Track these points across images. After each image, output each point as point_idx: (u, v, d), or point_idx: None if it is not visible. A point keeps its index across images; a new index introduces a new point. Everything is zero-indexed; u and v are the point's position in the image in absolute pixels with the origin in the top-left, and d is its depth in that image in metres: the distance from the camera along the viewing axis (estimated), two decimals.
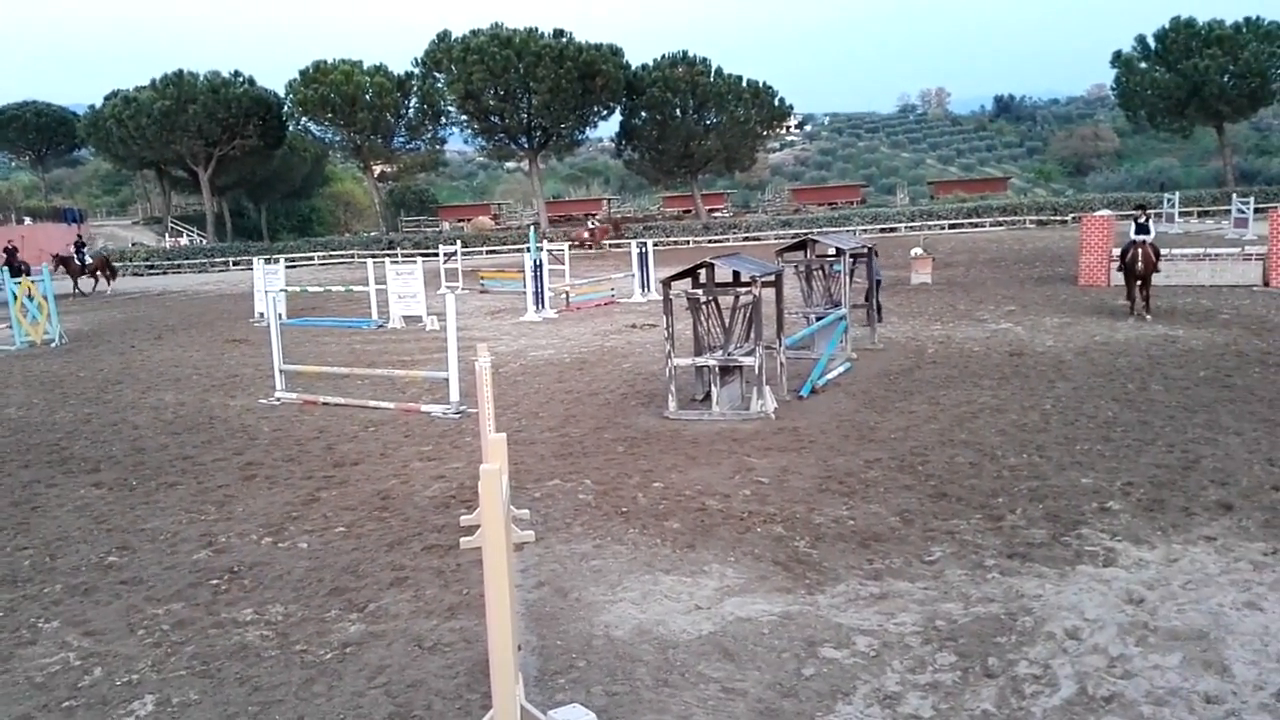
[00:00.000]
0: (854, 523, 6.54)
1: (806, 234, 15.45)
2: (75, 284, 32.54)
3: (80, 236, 37.98)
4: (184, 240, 57.71)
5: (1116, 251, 17.59)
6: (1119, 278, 16.59)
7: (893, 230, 44.99)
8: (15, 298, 18.93)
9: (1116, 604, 5.09)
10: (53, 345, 18.67)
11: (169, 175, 60.47)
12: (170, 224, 61.12)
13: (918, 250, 22.83)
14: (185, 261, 47.78)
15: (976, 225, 45.02)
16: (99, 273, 33.81)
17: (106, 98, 56.28)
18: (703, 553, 6.11)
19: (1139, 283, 14.92)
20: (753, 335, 9.97)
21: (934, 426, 9.01)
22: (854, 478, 7.54)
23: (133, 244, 54.86)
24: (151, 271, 46.02)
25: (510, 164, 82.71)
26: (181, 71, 54.15)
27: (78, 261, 33.06)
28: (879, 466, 7.81)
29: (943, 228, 44.70)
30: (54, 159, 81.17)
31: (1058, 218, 44.41)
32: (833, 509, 6.83)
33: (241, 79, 55.65)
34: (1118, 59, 52.07)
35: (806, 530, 6.43)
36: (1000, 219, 45.60)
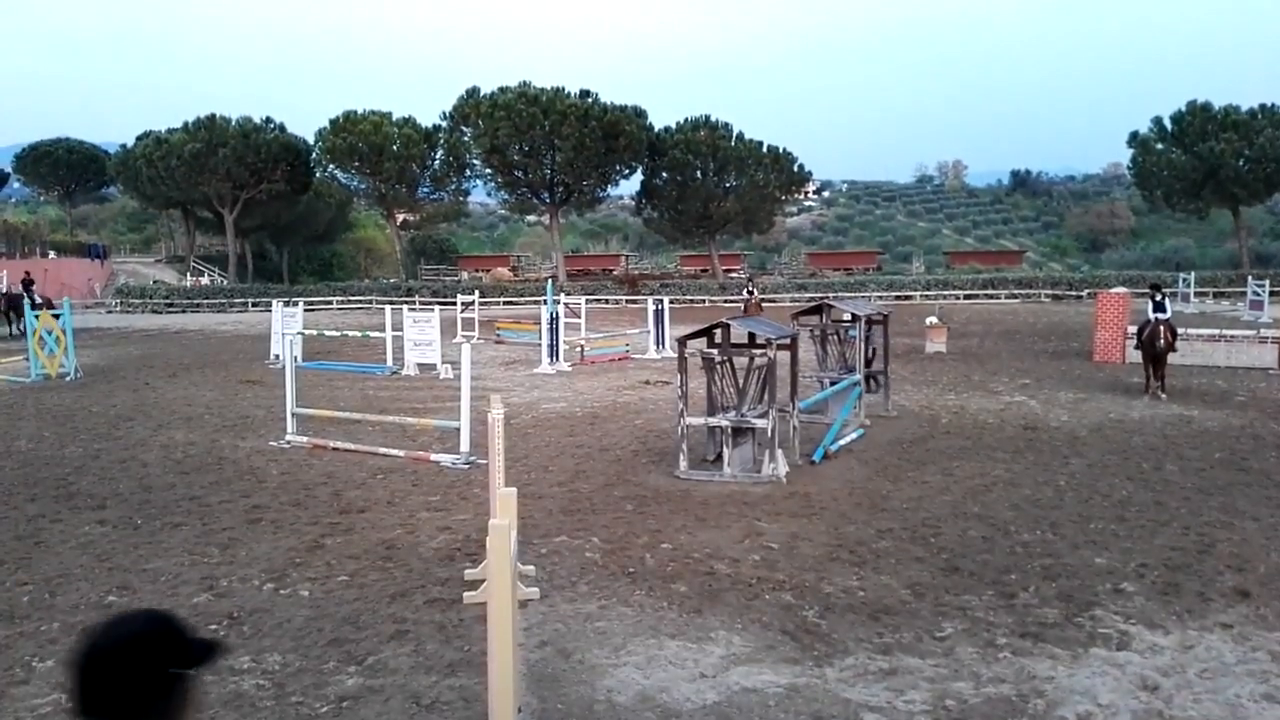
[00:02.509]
0: (864, 594, 6.43)
1: (822, 298, 15.49)
2: (21, 324, 29.95)
3: (28, 274, 33.30)
4: (205, 280, 58.31)
5: (1133, 329, 17.55)
6: (1135, 355, 16.51)
7: (908, 298, 45.08)
8: (34, 330, 19.08)
9: (1130, 690, 4.97)
10: (67, 379, 18.75)
11: (195, 215, 61.36)
12: (193, 263, 61.81)
13: (933, 319, 22.82)
14: (205, 301, 48.20)
15: (992, 296, 45.09)
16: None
17: (138, 138, 57.39)
18: (709, 618, 6.01)
19: (1155, 361, 14.84)
20: (766, 397, 9.93)
21: (947, 498, 8.91)
22: (865, 547, 7.43)
23: (154, 281, 55.46)
24: (170, 310, 46.41)
25: (531, 217, 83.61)
26: (214, 115, 55.22)
27: (27, 300, 29.78)
28: (890, 537, 7.71)
29: (958, 297, 44.78)
30: (82, 195, 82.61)
31: (1073, 293, 44.44)
32: (843, 579, 6.72)
33: (272, 125, 56.69)
34: (1134, 139, 52.51)
35: (816, 599, 6.32)
36: (1015, 291, 45.66)
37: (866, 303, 17.69)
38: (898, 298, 44.66)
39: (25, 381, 18.25)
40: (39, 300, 29.57)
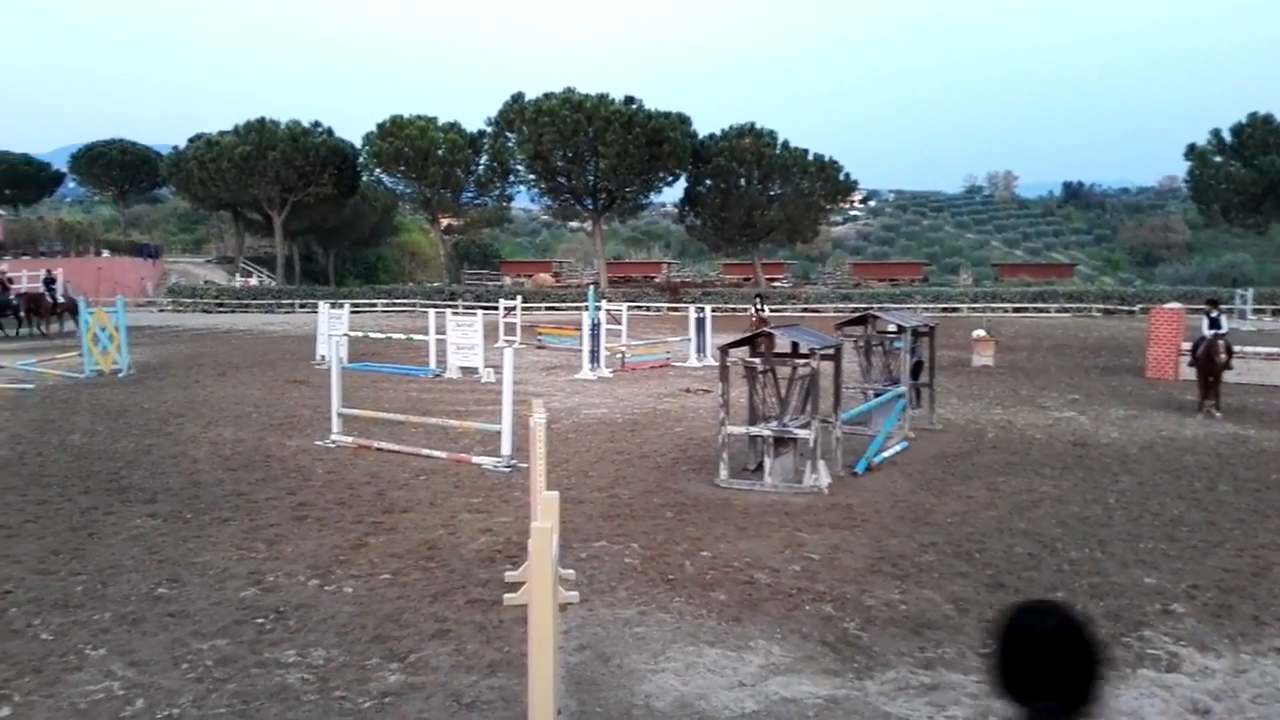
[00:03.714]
0: (906, 607, 6.37)
1: (867, 309, 15.37)
2: (45, 323, 29.93)
3: (49, 272, 33.42)
4: (254, 281, 59.27)
5: (1187, 345, 17.20)
6: (1189, 372, 16.17)
7: (955, 310, 44.55)
8: (89, 327, 19.51)
9: (1179, 713, 4.87)
10: (120, 376, 19.14)
11: (244, 217, 62.39)
12: (242, 264, 62.86)
13: (980, 332, 22.54)
14: (254, 301, 48.96)
15: (1041, 310, 44.40)
16: (73, 314, 30.24)
17: (190, 140, 58.51)
18: (749, 627, 5.99)
19: (1210, 379, 14.53)
20: (809, 408, 9.87)
21: (992, 513, 8.80)
22: (908, 561, 7.36)
23: (205, 281, 56.47)
24: (220, 309, 47.21)
25: (573, 224, 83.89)
26: (264, 119, 56.13)
27: (49, 299, 30.14)
28: (934, 551, 7.63)
29: (1006, 310, 44.15)
30: (135, 196, 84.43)
31: (1125, 307, 43.62)
32: (885, 591, 6.67)
33: (320, 129, 57.49)
34: (1192, 152, 51.46)
35: (857, 612, 6.27)
36: (1066, 305, 44.92)
37: (912, 314, 17.51)
38: (944, 310, 44.13)
39: (80, 377, 18.65)
40: (60, 300, 30.00)
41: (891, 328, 13.00)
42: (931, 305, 44.72)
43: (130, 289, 47.01)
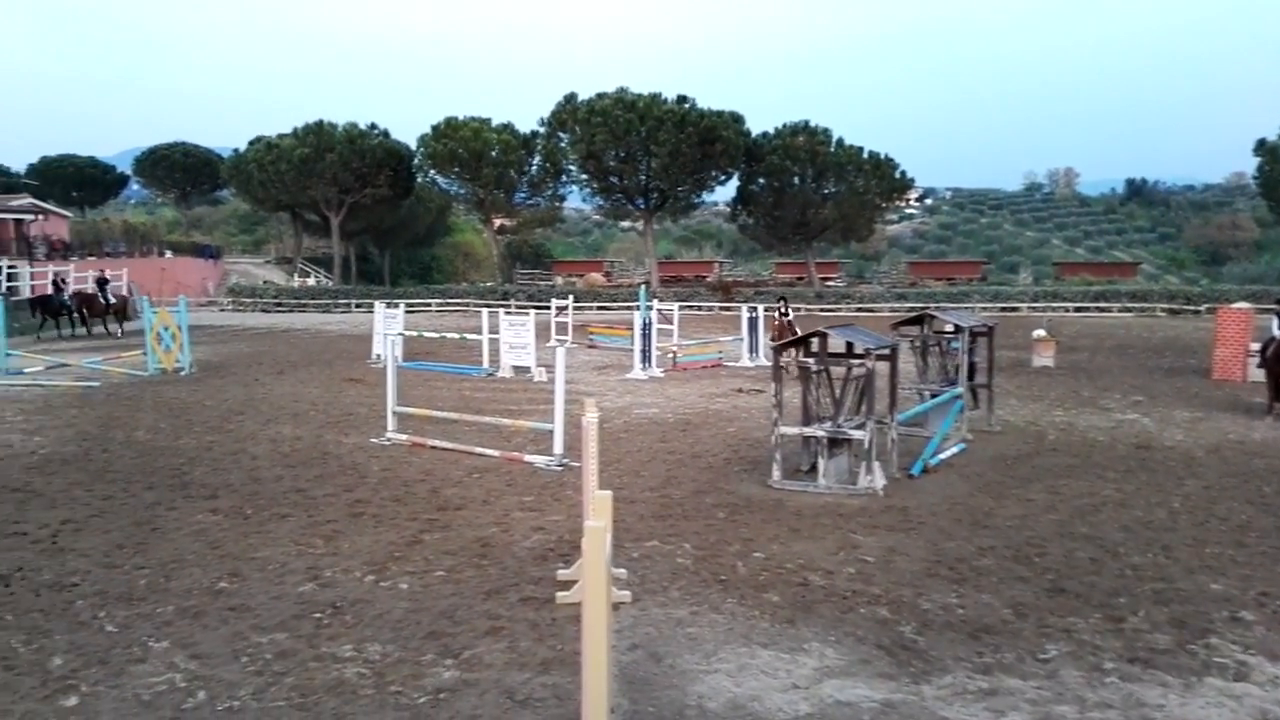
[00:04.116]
0: (963, 612, 6.27)
1: (924, 308, 15.15)
2: (97, 322, 30.18)
3: (103, 272, 34.23)
4: (311, 281, 60.36)
5: (1256, 346, 16.71)
6: (1257, 373, 15.72)
7: (1014, 310, 43.76)
8: (152, 327, 19.98)
9: None
10: (182, 374, 19.57)
11: (302, 218, 63.50)
12: (300, 265, 64.01)
13: (1040, 332, 22.12)
14: (311, 301, 49.81)
15: (1103, 310, 43.45)
16: (120, 314, 31.02)
17: (250, 142, 59.67)
18: (803, 629, 5.94)
19: None
20: (864, 408, 9.76)
21: (1052, 517, 8.62)
22: (965, 564, 7.24)
23: (264, 282, 57.61)
24: (279, 309, 48.09)
25: (625, 223, 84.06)
26: (321, 121, 57.07)
27: (101, 300, 30.46)
28: (992, 555, 7.49)
29: (1067, 310, 43.27)
30: (197, 197, 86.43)
31: (1190, 307, 42.50)
32: (941, 595, 6.56)
33: (377, 131, 58.28)
34: (1261, 147, 49.95)
35: (913, 615, 6.19)
36: (1129, 305, 43.89)
37: (970, 314, 17.23)
38: (1003, 309, 43.38)
39: (144, 375, 19.11)
40: (112, 300, 30.58)
41: (949, 328, 12.80)
42: (990, 305, 43.99)
43: (192, 289, 48.11)
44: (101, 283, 31.38)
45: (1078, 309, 43.97)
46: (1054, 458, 11.25)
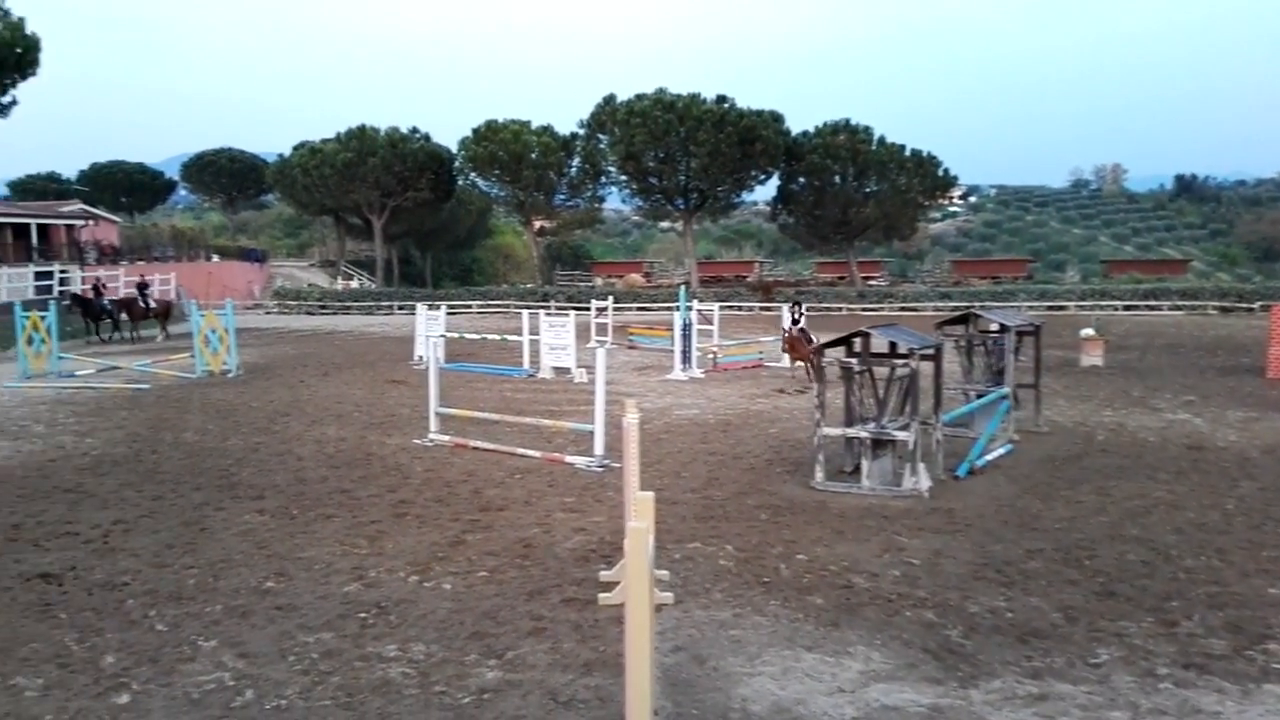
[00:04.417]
0: (1012, 615, 6.16)
1: (968, 307, 14.94)
2: (135, 328, 30.22)
3: (143, 277, 34.39)
4: (354, 283, 61.04)
5: None
6: None
7: (1061, 308, 43.06)
8: (199, 329, 20.30)
9: None
10: (229, 376, 19.85)
11: (345, 222, 64.26)
12: (343, 267, 64.78)
13: (1089, 331, 21.73)
14: (354, 303, 50.33)
15: (1153, 308, 42.62)
16: (163, 318, 31.18)
17: (295, 148, 60.54)
18: (847, 632, 5.87)
19: None
20: (908, 409, 9.64)
21: (1102, 519, 8.46)
22: (1013, 567, 7.12)
23: (308, 284, 58.36)
24: (323, 311, 48.67)
25: (664, 224, 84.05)
26: (364, 126, 57.70)
27: (141, 304, 30.45)
28: (1041, 557, 7.37)
29: (1116, 309, 42.51)
30: (243, 202, 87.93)
31: (1243, 305, 41.52)
32: (989, 598, 6.46)
33: (418, 135, 58.81)
34: None
35: (960, 619, 6.10)
36: (1179, 303, 42.99)
37: (1016, 313, 16.95)
38: (1050, 308, 42.71)
39: (192, 378, 19.42)
40: (152, 305, 30.70)
41: (994, 327, 12.61)
42: (1036, 303, 43.33)
43: (238, 292, 48.84)
44: (141, 287, 31.65)
45: (1127, 307, 43.18)
46: (1104, 459, 11.05)
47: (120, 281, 38.46)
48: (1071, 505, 8.95)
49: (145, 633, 5.96)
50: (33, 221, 43.08)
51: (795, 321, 18.57)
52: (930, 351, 9.88)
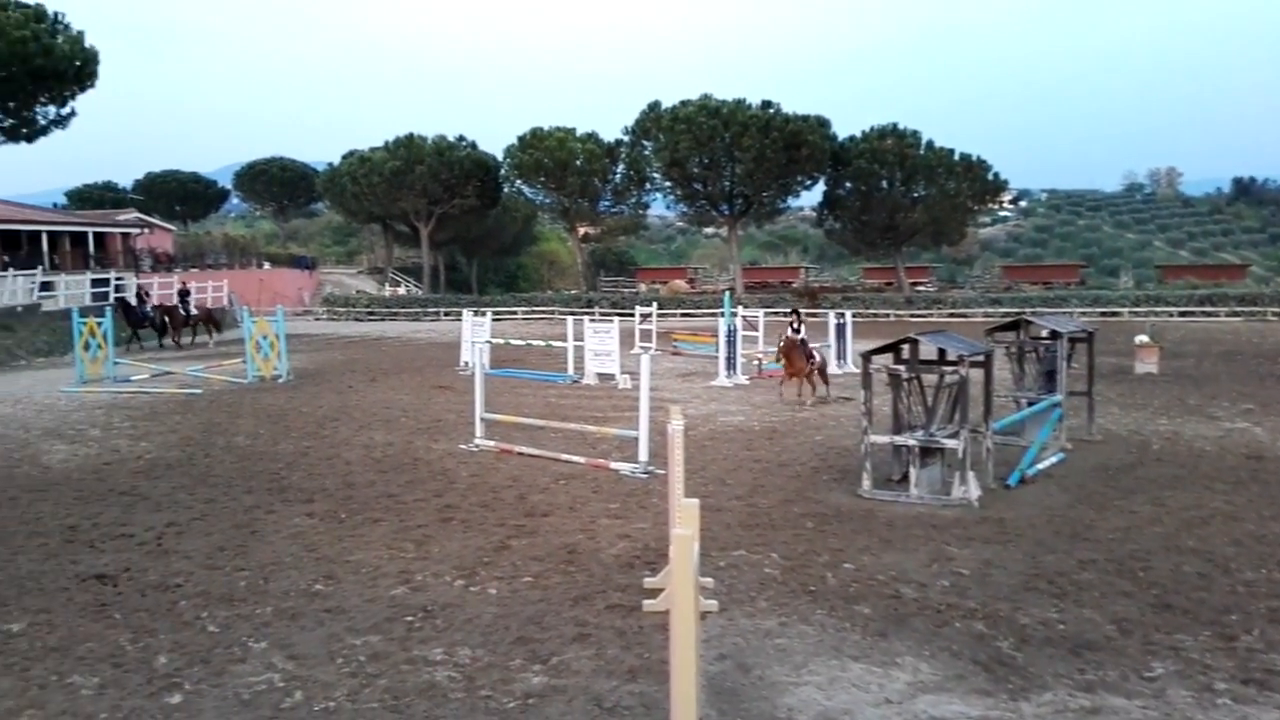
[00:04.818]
0: (1064, 627, 6.05)
1: (1019, 313, 14.72)
2: (176, 335, 30.37)
3: (184, 284, 34.75)
4: (402, 290, 61.73)
5: None
6: None
7: (1115, 314, 42.25)
8: (251, 335, 20.64)
9: None
10: (280, 381, 20.15)
11: (393, 229, 65.07)
12: (390, 274, 65.55)
13: (1143, 338, 21.30)
14: (402, 310, 50.88)
15: (1210, 314, 41.64)
16: (205, 324, 31.60)
17: (344, 156, 61.44)
18: (895, 643, 5.80)
19: None
20: (957, 416, 9.51)
21: (1158, 530, 8.27)
22: (1065, 578, 6.99)
23: (356, 291, 59.10)
24: (371, 318, 49.26)
25: (709, 230, 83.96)
26: (411, 135, 58.41)
27: (182, 311, 30.76)
28: (1094, 568, 7.22)
29: (1171, 315, 41.60)
30: (293, 210, 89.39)
31: None
32: (1040, 610, 6.34)
33: (465, 143, 59.41)
34: None
35: (1010, 630, 5.99)
36: (1237, 309, 41.93)
37: (1069, 319, 16.66)
38: (1103, 314, 41.90)
39: (243, 383, 19.75)
40: (194, 312, 31.07)
41: (1045, 333, 12.41)
42: (1089, 309, 42.54)
43: (289, 299, 49.60)
44: (183, 294, 31.89)
45: (1182, 313, 42.26)
46: (1159, 468, 10.81)
47: (174, 289, 39.15)
48: (1126, 515, 8.76)
49: (197, 634, 6.06)
50: (90, 230, 44.12)
51: (796, 331, 16.71)
52: (980, 358, 9.73)
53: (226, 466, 11.37)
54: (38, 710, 5.02)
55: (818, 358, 16.73)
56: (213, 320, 32.36)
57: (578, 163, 54.16)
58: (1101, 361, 16.71)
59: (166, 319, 30.22)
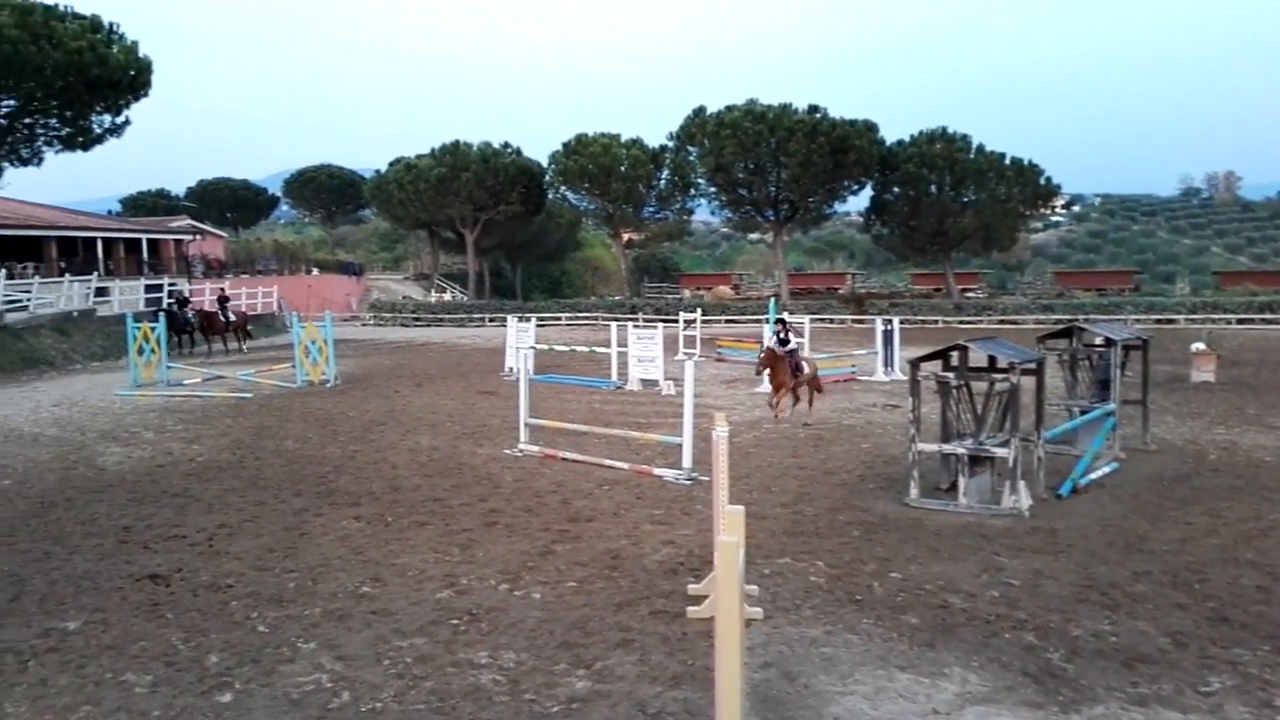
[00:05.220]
0: (1116, 639, 5.92)
1: (1072, 320, 14.46)
2: (221, 341, 30.35)
3: (224, 291, 34.75)
4: (447, 296, 62.29)
5: None
6: None
7: (1170, 322, 41.39)
8: (300, 341, 20.95)
9: None
10: (328, 386, 20.42)
11: (439, 236, 65.72)
12: (436, 280, 66.20)
13: (1200, 345, 20.83)
14: (447, 316, 51.33)
15: (1270, 322, 40.60)
16: (239, 331, 31.40)
17: (391, 164, 62.19)
18: (943, 653, 5.72)
19: None
20: (1008, 425, 9.37)
21: (1214, 541, 8.07)
22: (1118, 590, 6.85)
23: (403, 297, 59.78)
24: (417, 323, 49.74)
25: (754, 235, 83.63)
26: (458, 142, 58.99)
27: (221, 318, 30.60)
28: (1147, 580, 7.06)
29: (1229, 322, 40.66)
30: (341, 217, 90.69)
31: None
32: (1092, 621, 6.22)
33: (509, 149, 59.84)
34: None
35: (1061, 642, 5.88)
36: None
37: (1123, 326, 16.33)
38: (1158, 321, 41.06)
39: (292, 387, 20.04)
40: (232, 318, 31.00)
41: (1099, 340, 12.18)
42: (1144, 316, 41.71)
43: (336, 305, 50.31)
44: (222, 301, 31.95)
45: (1241, 320, 41.27)
46: (1215, 479, 10.55)
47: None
48: (1181, 526, 8.57)
49: (248, 634, 6.15)
50: (144, 236, 45.08)
51: (784, 342, 15.09)
52: (1032, 366, 9.58)
53: (276, 469, 11.54)
54: (93, 707, 5.13)
55: (807, 369, 15.07)
56: (246, 326, 32.39)
57: (622, 168, 54.29)
58: (1156, 369, 16.35)
59: (206, 325, 30.35)
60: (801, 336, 24.49)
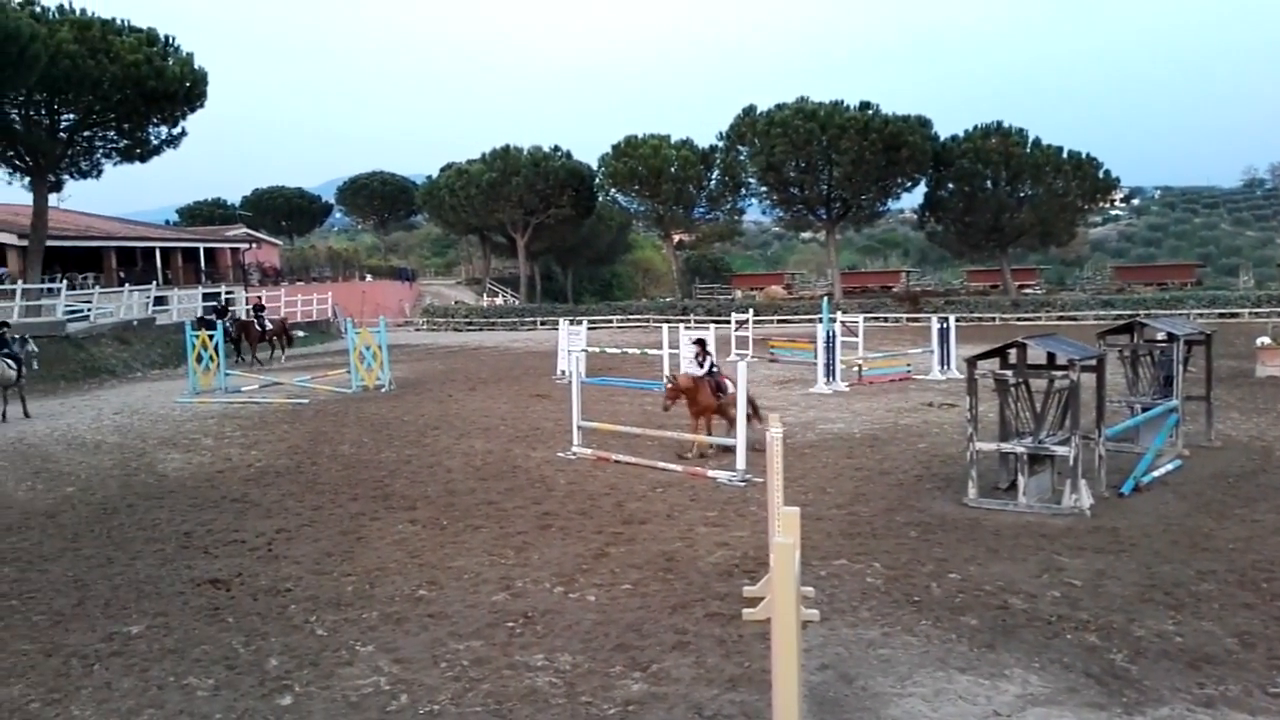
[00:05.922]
0: (1181, 640, 5.78)
1: (1133, 316, 14.14)
2: (253, 351, 29.82)
3: (260, 299, 34.38)
4: (499, 300, 62.84)
5: None
6: None
7: (1234, 316, 40.32)
8: (355, 346, 21.25)
9: None
10: (383, 390, 20.69)
11: (490, 240, 66.32)
12: (488, 285, 66.80)
13: (1265, 339, 20.25)
14: (499, 320, 51.76)
15: None
16: (277, 339, 31.21)
17: (442, 169, 62.94)
18: (1003, 655, 5.62)
19: None
20: (1068, 423, 9.18)
21: None
22: (1183, 589, 6.68)
23: (455, 302, 60.43)
24: (469, 328, 50.23)
25: (806, 234, 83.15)
26: (508, 146, 59.50)
27: (258, 327, 30.30)
28: (1213, 579, 6.88)
29: None
30: (394, 223, 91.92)
31: None
32: (1156, 622, 6.07)
33: (559, 152, 60.21)
34: None
35: (1124, 642, 5.75)
36: None
37: (1185, 321, 15.93)
38: (1221, 315, 40.03)
39: (348, 393, 20.34)
40: (268, 326, 30.81)
41: (1160, 336, 11.90)
42: (1206, 311, 40.68)
43: (390, 310, 50.99)
44: (258, 309, 31.82)
45: None
46: None
47: (281, 301, 40.50)
48: (1247, 524, 8.33)
49: (306, 637, 6.25)
50: (201, 245, 46.13)
51: (700, 364, 12.73)
52: (1092, 362, 9.38)
53: (333, 474, 11.72)
54: (156, 710, 5.25)
55: (730, 389, 12.22)
56: (285, 334, 32.17)
57: (672, 170, 54.31)
58: (1220, 365, 15.96)
59: (244, 335, 30.05)
60: (855, 335, 24.32)
